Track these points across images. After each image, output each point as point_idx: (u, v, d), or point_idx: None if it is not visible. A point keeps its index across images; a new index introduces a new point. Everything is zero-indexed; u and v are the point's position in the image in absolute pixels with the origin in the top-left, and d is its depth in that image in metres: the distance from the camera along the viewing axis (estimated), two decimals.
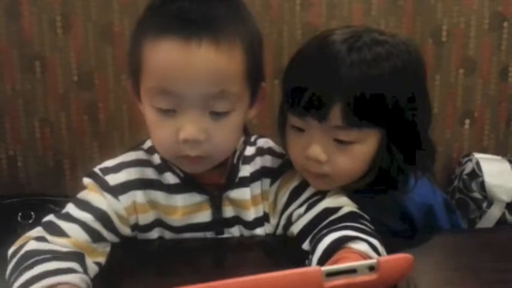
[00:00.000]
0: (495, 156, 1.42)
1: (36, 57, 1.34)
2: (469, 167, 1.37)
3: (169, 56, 0.62)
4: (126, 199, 0.72)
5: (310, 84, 0.69)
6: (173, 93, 0.63)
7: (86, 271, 0.64)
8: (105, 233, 0.70)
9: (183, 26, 0.62)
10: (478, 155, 1.39)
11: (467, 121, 1.49)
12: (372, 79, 0.68)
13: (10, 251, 0.65)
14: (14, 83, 1.35)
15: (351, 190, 0.76)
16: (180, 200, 0.74)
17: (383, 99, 0.68)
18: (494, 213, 1.31)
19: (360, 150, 0.70)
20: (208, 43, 0.61)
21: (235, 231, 0.77)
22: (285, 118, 0.75)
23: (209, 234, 0.76)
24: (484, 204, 1.32)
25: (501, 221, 1.29)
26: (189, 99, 0.63)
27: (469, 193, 1.34)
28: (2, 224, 1.16)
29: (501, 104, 1.49)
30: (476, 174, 1.34)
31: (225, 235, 0.76)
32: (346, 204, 0.72)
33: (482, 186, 1.32)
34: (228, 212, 0.76)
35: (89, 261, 0.66)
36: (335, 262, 0.58)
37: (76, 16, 1.32)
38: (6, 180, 1.39)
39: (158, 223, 0.75)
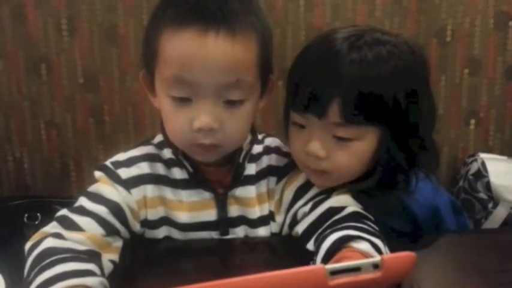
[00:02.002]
0: (501, 156, 1.41)
1: (42, 60, 1.34)
2: (474, 167, 1.36)
3: (188, 46, 0.64)
4: (137, 193, 0.73)
5: (310, 81, 0.69)
6: (190, 82, 0.65)
7: (103, 273, 0.64)
8: (118, 225, 0.70)
9: (202, 17, 0.64)
10: (483, 155, 1.38)
11: (472, 121, 1.48)
12: (370, 78, 0.68)
13: (27, 246, 0.65)
14: (20, 86, 1.35)
15: (355, 190, 0.76)
16: (186, 195, 0.74)
17: (381, 97, 0.68)
18: (500, 213, 1.30)
19: (359, 147, 0.71)
20: (225, 34, 0.64)
21: (240, 231, 0.77)
22: (288, 115, 0.75)
23: (214, 234, 0.76)
24: (490, 205, 1.31)
25: (507, 222, 1.28)
26: (205, 88, 0.65)
27: (474, 193, 1.34)
28: (9, 225, 1.16)
29: (506, 103, 1.48)
30: (481, 174, 1.33)
31: (230, 235, 0.77)
32: (350, 204, 0.72)
33: (487, 186, 1.31)
34: (233, 211, 0.76)
35: (105, 260, 0.66)
36: (337, 261, 0.58)
37: (81, 19, 1.33)
38: (12, 182, 1.40)
39: (165, 221, 0.75)
